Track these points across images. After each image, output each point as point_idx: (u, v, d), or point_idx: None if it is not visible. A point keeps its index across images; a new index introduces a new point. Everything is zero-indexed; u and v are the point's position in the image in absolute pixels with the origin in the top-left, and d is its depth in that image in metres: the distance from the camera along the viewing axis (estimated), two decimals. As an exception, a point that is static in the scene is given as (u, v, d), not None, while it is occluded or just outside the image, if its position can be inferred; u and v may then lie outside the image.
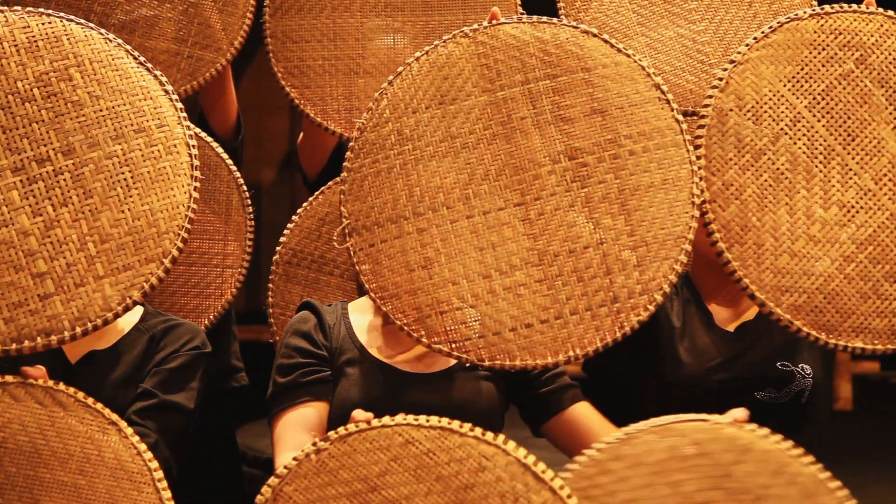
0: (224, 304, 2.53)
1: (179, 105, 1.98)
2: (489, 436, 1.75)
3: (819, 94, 2.02)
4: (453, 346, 1.92)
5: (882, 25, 2.05)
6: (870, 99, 2.03)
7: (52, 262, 1.87)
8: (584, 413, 2.12)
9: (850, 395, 5.96)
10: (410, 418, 1.77)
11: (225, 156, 2.56)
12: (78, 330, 1.86)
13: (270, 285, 2.50)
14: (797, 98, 2.02)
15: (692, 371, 2.16)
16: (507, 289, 1.93)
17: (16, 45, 1.94)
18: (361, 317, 2.15)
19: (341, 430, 1.76)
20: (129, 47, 2.00)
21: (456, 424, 1.76)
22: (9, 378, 1.87)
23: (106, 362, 2.11)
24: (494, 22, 2.03)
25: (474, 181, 1.96)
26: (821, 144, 2.00)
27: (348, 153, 1.99)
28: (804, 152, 2.00)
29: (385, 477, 1.75)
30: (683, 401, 2.14)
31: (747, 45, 2.02)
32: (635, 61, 2.02)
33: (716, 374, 2.13)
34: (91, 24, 2.00)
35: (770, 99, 2.01)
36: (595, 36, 2.03)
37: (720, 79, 2.01)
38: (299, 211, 2.51)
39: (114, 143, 1.92)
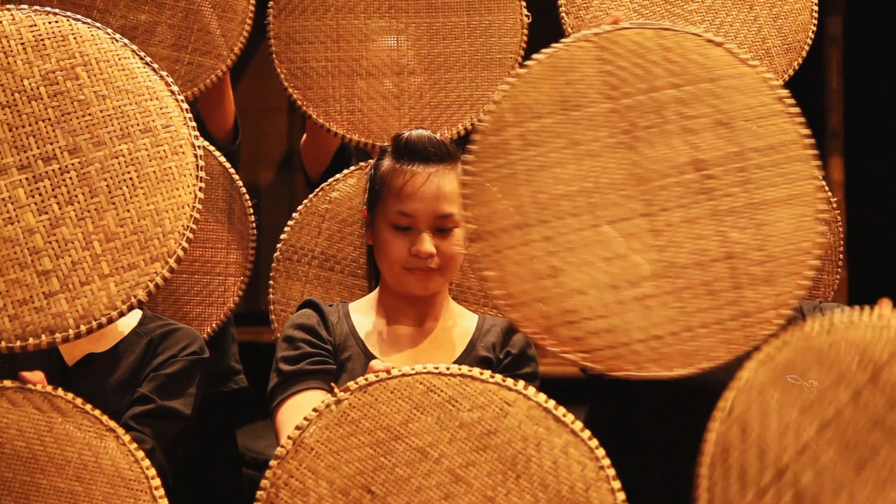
0: (227, 312, 2.54)
1: (185, 106, 1.98)
2: (510, 382, 1.77)
3: (829, 419, 1.86)
4: (582, 355, 1.86)
5: None
6: (882, 422, 1.85)
7: (58, 259, 1.86)
8: None
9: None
10: (430, 366, 1.76)
11: (227, 164, 2.57)
12: (83, 328, 1.85)
13: (271, 282, 2.51)
14: (805, 424, 1.86)
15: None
16: (636, 299, 1.87)
17: (22, 44, 1.93)
18: (363, 317, 2.16)
19: (361, 380, 1.76)
20: (135, 47, 1.99)
21: (476, 371, 1.77)
22: (7, 383, 1.86)
23: (103, 366, 2.11)
24: (616, 26, 1.97)
25: (599, 190, 1.90)
26: (830, 475, 1.83)
27: (469, 156, 1.91)
28: (811, 485, 1.83)
29: (408, 425, 1.74)
30: (686, 403, 2.14)
31: (750, 368, 1.85)
32: (759, 73, 1.96)
33: (722, 375, 2.13)
34: (97, 24, 1.99)
35: (777, 427, 1.85)
36: (719, 45, 1.97)
37: (723, 405, 1.86)
38: (300, 208, 2.52)
39: (120, 142, 1.92)
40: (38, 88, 1.92)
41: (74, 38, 1.95)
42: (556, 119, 1.92)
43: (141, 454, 1.85)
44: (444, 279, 2.13)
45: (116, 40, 1.98)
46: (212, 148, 2.56)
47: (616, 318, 1.87)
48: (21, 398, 1.85)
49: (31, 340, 1.84)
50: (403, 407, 1.75)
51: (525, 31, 2.56)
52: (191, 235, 1.91)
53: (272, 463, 1.72)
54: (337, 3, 2.56)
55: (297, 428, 1.74)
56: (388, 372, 1.76)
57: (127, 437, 1.85)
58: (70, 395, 1.86)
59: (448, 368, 1.76)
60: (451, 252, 2.11)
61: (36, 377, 1.87)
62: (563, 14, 2.54)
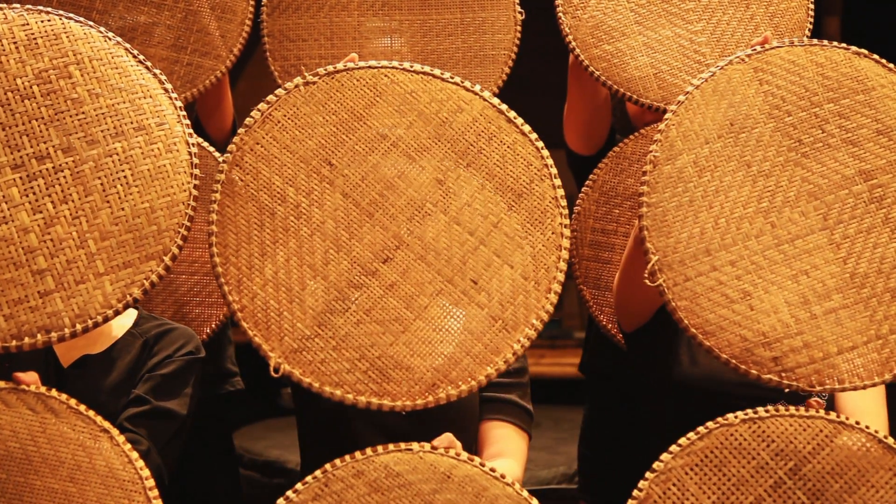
0: (226, 313, 2.54)
1: (179, 104, 1.98)
2: (468, 83, 1.87)
3: None
4: (783, 375, 1.92)
5: (821, 431, 1.91)
6: None
7: (52, 258, 1.86)
8: (491, 432, 2.18)
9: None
10: (395, 62, 1.90)
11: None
12: (78, 327, 1.84)
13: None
14: None
15: (705, 371, 2.15)
16: (827, 313, 1.94)
17: (15, 43, 1.93)
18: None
19: (329, 67, 1.88)
20: (128, 45, 1.99)
21: (438, 71, 1.87)
22: (0, 384, 1.86)
23: (99, 367, 2.11)
24: (767, 46, 2.05)
25: (775, 209, 1.97)
26: None
27: (644, 187, 1.97)
28: None
29: (370, 110, 1.86)
30: (689, 405, 2.13)
31: (671, 452, 1.89)
32: None
33: (728, 375, 2.13)
34: (90, 23, 1.99)
35: None
36: (866, 56, 2.06)
37: (637, 494, 1.88)
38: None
39: (113, 140, 1.92)
40: (31, 87, 1.92)
41: (67, 37, 1.95)
42: (726, 142, 1.98)
43: (135, 455, 1.85)
44: None
45: (109, 38, 1.98)
46: (212, 149, 2.56)
47: (810, 334, 1.93)
48: (14, 399, 1.85)
49: (26, 340, 1.83)
50: (367, 94, 1.86)
51: (519, 28, 2.55)
52: (185, 233, 1.91)
53: (240, 131, 1.83)
54: (331, 1, 2.56)
55: (266, 103, 1.84)
56: (354, 62, 1.87)
57: (121, 438, 1.85)
58: (64, 396, 1.86)
59: (412, 65, 1.87)
60: None
61: (30, 378, 1.87)
62: (559, 14, 2.53)
